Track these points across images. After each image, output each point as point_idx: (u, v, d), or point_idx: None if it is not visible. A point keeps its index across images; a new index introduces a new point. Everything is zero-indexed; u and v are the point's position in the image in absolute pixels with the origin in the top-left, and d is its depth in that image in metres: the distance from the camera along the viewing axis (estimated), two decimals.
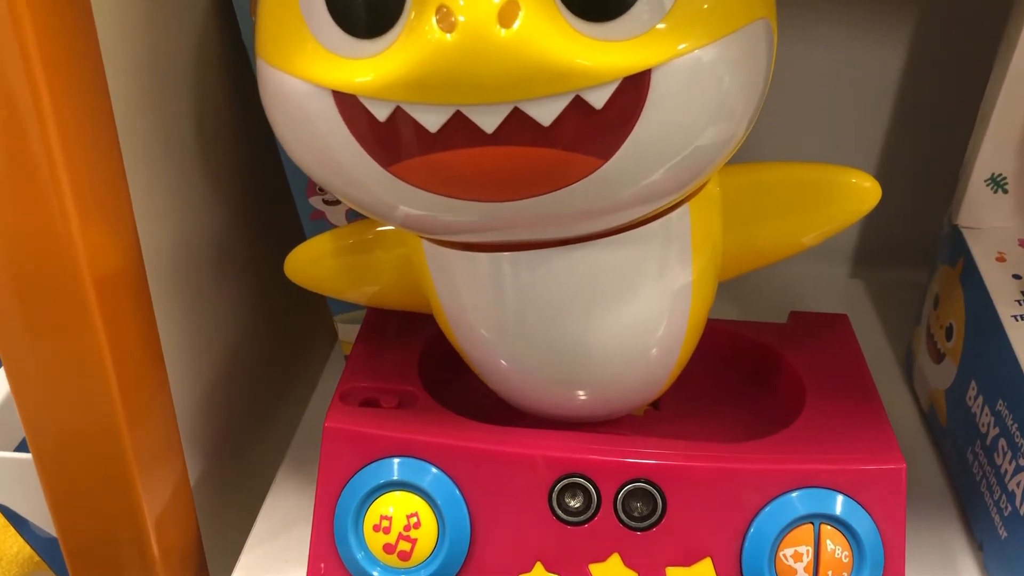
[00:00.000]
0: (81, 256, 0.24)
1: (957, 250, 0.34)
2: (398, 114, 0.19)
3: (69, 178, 0.23)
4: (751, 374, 0.32)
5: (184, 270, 0.31)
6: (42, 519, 0.30)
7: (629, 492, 0.26)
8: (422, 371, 0.30)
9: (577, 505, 0.26)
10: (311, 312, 0.41)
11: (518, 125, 0.19)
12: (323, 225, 0.34)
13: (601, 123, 0.19)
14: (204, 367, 0.33)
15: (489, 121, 0.19)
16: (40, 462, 0.27)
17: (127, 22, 0.26)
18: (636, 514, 0.26)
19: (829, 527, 0.26)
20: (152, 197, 0.28)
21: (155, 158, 0.29)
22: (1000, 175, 0.33)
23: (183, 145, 0.31)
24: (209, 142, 0.32)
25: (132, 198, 0.26)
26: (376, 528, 0.27)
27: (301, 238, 0.34)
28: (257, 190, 0.37)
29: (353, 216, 0.33)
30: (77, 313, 0.25)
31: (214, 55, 0.32)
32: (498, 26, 0.18)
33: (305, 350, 0.43)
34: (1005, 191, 0.34)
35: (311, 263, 0.29)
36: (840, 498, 0.26)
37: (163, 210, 0.29)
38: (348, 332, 0.38)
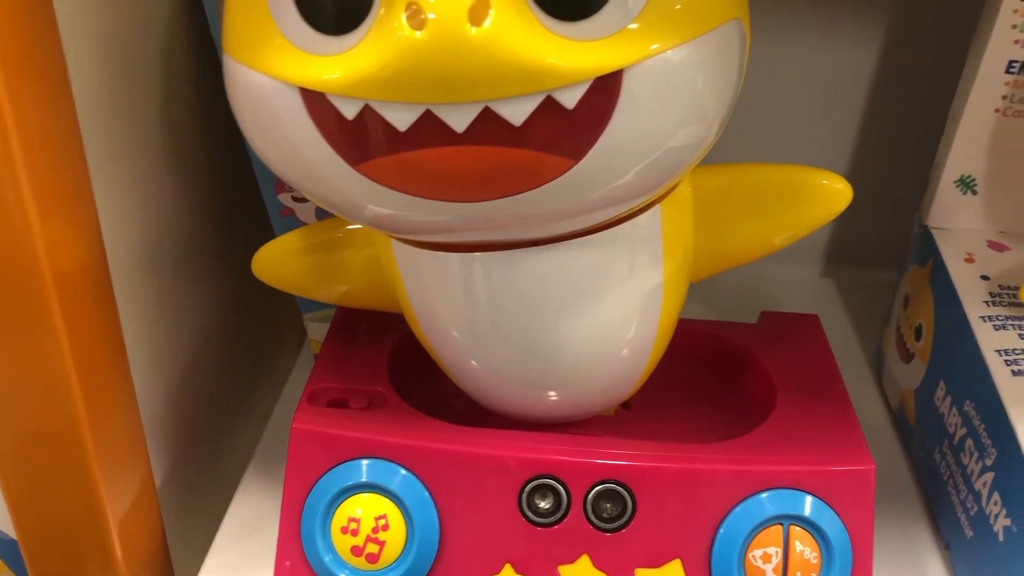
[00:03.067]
0: (41, 253, 0.23)
1: (927, 251, 0.34)
2: (366, 112, 0.19)
3: (28, 173, 0.22)
4: (722, 374, 0.32)
5: (150, 267, 0.31)
6: (1, 521, 0.29)
7: (599, 493, 0.26)
8: (392, 371, 0.30)
9: (547, 506, 0.26)
10: (280, 310, 0.41)
11: (489, 125, 0.19)
12: (292, 222, 0.33)
13: (572, 123, 0.19)
14: (170, 365, 0.33)
15: (459, 120, 0.18)
16: None
17: (90, 14, 0.26)
18: (606, 515, 0.26)
19: (798, 528, 0.26)
20: (117, 193, 0.28)
21: (120, 153, 0.28)
22: (969, 176, 0.34)
23: (149, 140, 0.30)
24: (176, 137, 0.32)
25: (96, 194, 0.26)
26: (344, 530, 0.26)
27: (270, 235, 0.33)
28: (225, 186, 0.36)
29: (322, 213, 0.33)
30: (37, 311, 0.24)
31: (181, 48, 0.32)
32: (468, 24, 0.17)
33: (274, 348, 0.42)
34: (974, 192, 0.34)
35: (279, 262, 0.29)
36: (809, 499, 0.26)
37: (128, 206, 0.29)
38: (317, 331, 0.37)
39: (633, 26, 0.18)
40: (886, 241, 0.43)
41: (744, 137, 0.36)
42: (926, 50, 0.40)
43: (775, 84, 0.41)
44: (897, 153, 0.43)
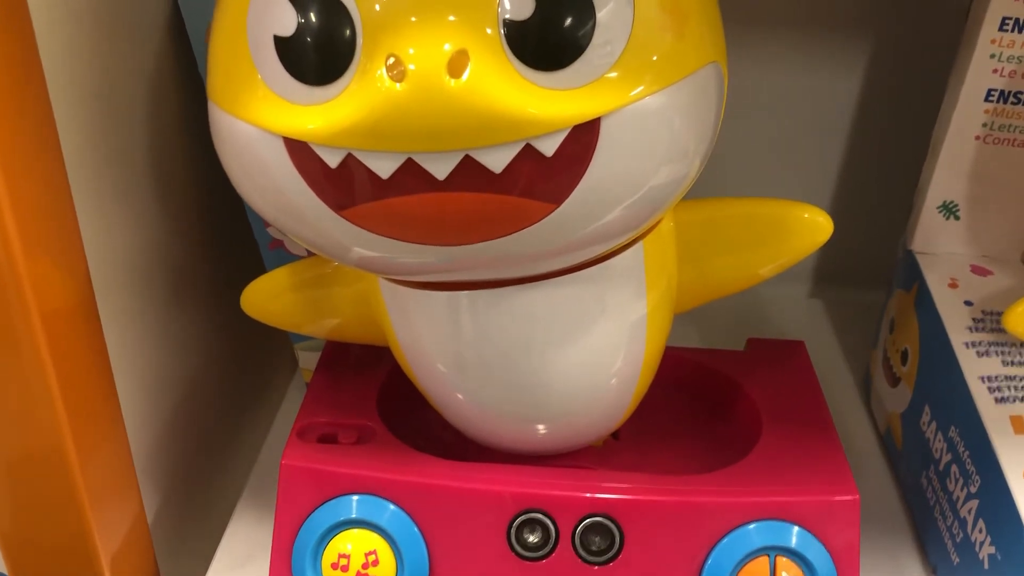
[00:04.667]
0: (27, 290, 0.23)
1: (912, 275, 0.34)
2: (349, 160, 0.19)
3: (12, 207, 0.22)
4: (710, 402, 0.32)
5: (139, 300, 0.31)
6: None
7: (587, 527, 0.26)
8: (381, 405, 0.30)
9: (536, 540, 0.26)
10: (271, 340, 0.41)
11: (470, 172, 0.19)
12: (282, 254, 0.34)
13: (552, 170, 0.19)
14: (161, 397, 0.33)
15: (441, 168, 0.19)
16: None
17: (75, 53, 0.26)
18: (594, 548, 0.26)
19: (784, 559, 0.26)
20: (105, 228, 0.28)
21: (107, 189, 0.28)
22: (952, 202, 0.34)
23: (137, 175, 0.30)
24: (165, 171, 0.32)
25: (82, 229, 0.26)
26: (334, 566, 0.26)
27: (260, 266, 0.33)
28: (215, 218, 0.37)
29: None
30: (23, 347, 0.24)
31: (168, 84, 0.32)
32: (448, 76, 0.18)
33: (265, 378, 0.42)
34: (957, 218, 0.34)
35: (269, 298, 0.29)
36: (795, 529, 0.26)
37: (116, 240, 0.29)
38: (309, 360, 0.37)
39: (611, 75, 0.19)
40: (875, 262, 0.43)
41: (730, 163, 0.36)
42: (909, 76, 0.41)
43: (761, 109, 0.41)
44: (885, 175, 0.43)
